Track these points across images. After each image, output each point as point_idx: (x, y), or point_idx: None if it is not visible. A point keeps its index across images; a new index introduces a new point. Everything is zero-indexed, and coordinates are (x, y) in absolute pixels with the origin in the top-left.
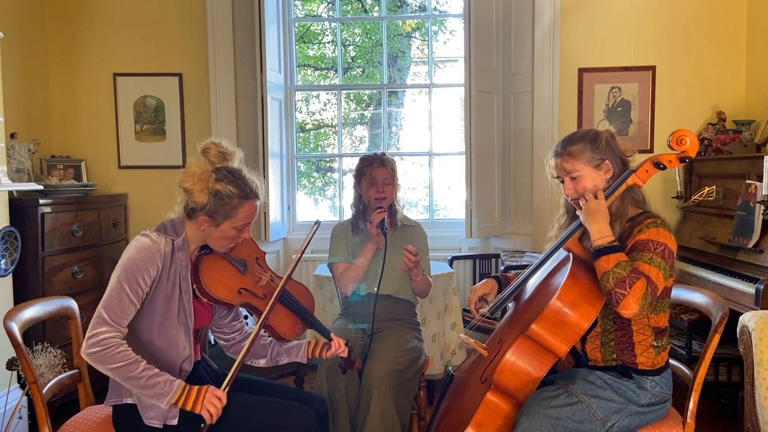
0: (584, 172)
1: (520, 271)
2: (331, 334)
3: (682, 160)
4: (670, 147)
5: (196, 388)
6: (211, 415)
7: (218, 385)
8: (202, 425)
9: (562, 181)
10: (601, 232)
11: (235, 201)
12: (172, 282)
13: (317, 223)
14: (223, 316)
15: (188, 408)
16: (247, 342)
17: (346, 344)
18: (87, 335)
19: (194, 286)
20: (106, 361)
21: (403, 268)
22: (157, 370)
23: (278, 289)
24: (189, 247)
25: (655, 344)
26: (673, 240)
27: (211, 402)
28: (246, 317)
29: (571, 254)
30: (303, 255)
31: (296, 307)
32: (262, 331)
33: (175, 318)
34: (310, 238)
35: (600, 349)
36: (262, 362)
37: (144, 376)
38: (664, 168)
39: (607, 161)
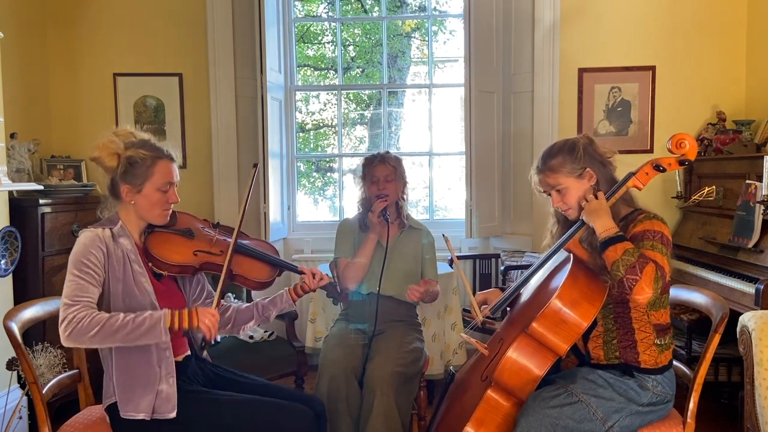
0: (568, 184)
1: (520, 271)
2: (300, 267)
3: (681, 163)
4: (670, 150)
5: (185, 309)
6: (209, 329)
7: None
8: (203, 344)
9: (549, 194)
10: (605, 226)
11: (148, 161)
12: (122, 264)
13: (255, 165)
14: (196, 295)
15: (185, 326)
16: (222, 278)
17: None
18: (59, 324)
19: (150, 264)
20: (85, 332)
21: (411, 299)
22: (136, 313)
23: (234, 235)
24: (130, 234)
25: (658, 342)
26: (668, 231)
27: (206, 316)
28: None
29: (571, 255)
30: (247, 202)
31: (257, 253)
32: (235, 283)
33: (138, 298)
34: (252, 182)
35: (602, 347)
36: (251, 324)
37: (128, 321)
38: (664, 171)
39: (588, 169)
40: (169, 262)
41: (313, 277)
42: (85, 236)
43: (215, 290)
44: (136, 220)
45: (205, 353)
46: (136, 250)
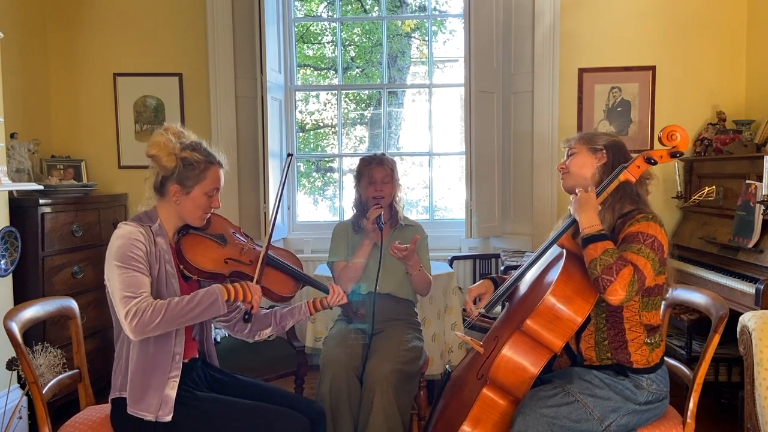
0: (579, 151)
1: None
2: (329, 283)
3: (673, 155)
4: (661, 142)
5: (238, 284)
6: (258, 303)
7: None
8: (246, 316)
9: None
10: (589, 221)
11: (202, 165)
12: (157, 265)
13: (290, 155)
14: None
15: (240, 299)
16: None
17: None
18: (122, 320)
19: (181, 266)
20: (149, 322)
21: (393, 254)
22: (189, 296)
23: (264, 248)
24: (167, 233)
25: (649, 341)
26: (664, 235)
27: (256, 292)
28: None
29: (564, 250)
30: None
31: (284, 266)
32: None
33: (164, 299)
34: (286, 172)
35: (594, 348)
36: (268, 331)
37: (186, 302)
38: (655, 163)
39: (604, 151)
40: (201, 268)
41: (337, 294)
42: (127, 230)
43: None
44: (176, 219)
45: (252, 330)
46: (170, 250)
